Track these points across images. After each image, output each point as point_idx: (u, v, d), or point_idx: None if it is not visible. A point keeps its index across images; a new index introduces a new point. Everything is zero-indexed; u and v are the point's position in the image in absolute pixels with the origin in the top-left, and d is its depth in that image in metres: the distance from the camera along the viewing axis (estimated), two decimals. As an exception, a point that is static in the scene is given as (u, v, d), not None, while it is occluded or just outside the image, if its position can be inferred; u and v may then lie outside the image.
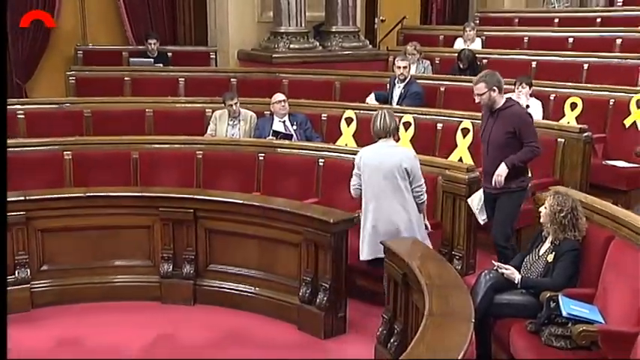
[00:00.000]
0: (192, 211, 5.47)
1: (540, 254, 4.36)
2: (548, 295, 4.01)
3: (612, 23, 9.54)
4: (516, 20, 10.66)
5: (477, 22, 10.65)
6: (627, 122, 6.81)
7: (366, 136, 6.94)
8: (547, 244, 4.35)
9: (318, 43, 9.66)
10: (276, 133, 6.81)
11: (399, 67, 7.58)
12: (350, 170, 5.23)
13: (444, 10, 12.42)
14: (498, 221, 5.00)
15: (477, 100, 5.01)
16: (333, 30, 9.72)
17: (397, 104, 7.44)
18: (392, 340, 4.39)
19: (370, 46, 10.26)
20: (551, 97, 7.20)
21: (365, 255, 5.01)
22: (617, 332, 3.73)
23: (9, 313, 5.13)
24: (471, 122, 6.61)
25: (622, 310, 3.85)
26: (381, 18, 11.50)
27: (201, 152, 6.51)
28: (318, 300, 5.02)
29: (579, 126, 6.29)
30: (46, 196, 5.51)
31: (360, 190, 5.02)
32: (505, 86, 7.18)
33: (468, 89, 7.64)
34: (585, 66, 8.01)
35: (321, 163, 6.22)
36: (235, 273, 5.48)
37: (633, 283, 3.80)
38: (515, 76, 7.10)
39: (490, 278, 4.29)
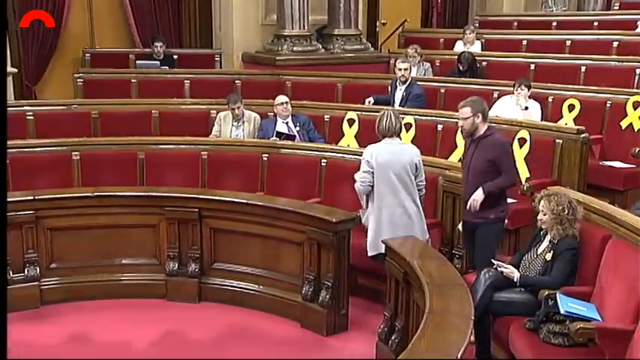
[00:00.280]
0: (197, 210, 5.47)
1: (539, 253, 4.36)
2: (547, 293, 4.01)
3: (609, 26, 9.51)
4: (515, 24, 10.64)
5: (477, 25, 10.62)
6: (624, 124, 6.80)
7: (367, 136, 6.93)
8: (545, 243, 4.34)
9: (320, 46, 9.66)
10: (279, 134, 6.81)
11: (400, 70, 7.58)
12: (352, 170, 5.23)
13: (444, 14, 12.40)
14: (479, 254, 4.80)
15: (459, 124, 4.85)
16: (336, 33, 9.71)
17: (400, 106, 7.43)
18: (393, 337, 4.40)
19: (372, 49, 10.25)
20: (550, 99, 7.19)
21: (382, 248, 4.98)
22: (614, 329, 3.72)
23: (19, 310, 5.21)
24: (471, 123, 6.61)
25: (619, 308, 3.85)
26: (382, 21, 11.49)
27: (205, 153, 6.51)
28: (320, 298, 5.02)
29: (577, 127, 6.27)
30: (54, 196, 5.52)
31: (371, 186, 4.99)
32: (504, 88, 7.33)
33: (468, 91, 7.71)
34: (583, 68, 7.99)
35: (323, 164, 6.22)
36: (239, 271, 5.48)
37: (630, 281, 3.80)
38: (514, 78, 7.11)
39: (489, 277, 4.28)
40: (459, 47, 9.27)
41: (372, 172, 4.97)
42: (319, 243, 5.03)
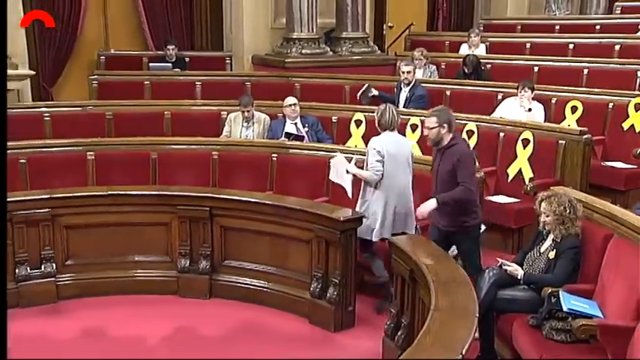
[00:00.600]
0: (208, 209, 5.48)
1: (542, 251, 4.34)
2: (550, 290, 4.00)
3: (611, 30, 9.48)
4: (519, 27, 10.61)
5: (482, 28, 10.60)
6: (626, 125, 6.78)
7: (370, 137, 6.95)
8: (548, 242, 4.33)
9: (329, 49, 9.67)
10: (288, 135, 6.82)
11: (404, 72, 7.60)
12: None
13: (449, 17, 12.38)
14: (468, 263, 4.66)
15: (424, 133, 4.75)
16: (344, 36, 9.72)
17: (404, 107, 7.43)
18: (399, 334, 4.39)
19: (379, 52, 10.26)
20: (553, 101, 7.18)
21: (386, 234, 5.00)
22: (616, 326, 3.71)
23: (36, 305, 5.24)
24: (476, 125, 6.62)
25: (620, 306, 3.84)
26: (389, 24, 11.48)
27: (216, 153, 6.53)
28: (328, 294, 5.01)
29: (579, 128, 6.27)
30: (70, 195, 5.54)
31: (382, 175, 5.01)
32: (508, 90, 7.31)
33: (473, 93, 7.74)
34: (585, 71, 7.97)
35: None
36: (249, 268, 5.48)
37: (631, 279, 3.78)
38: (518, 80, 7.10)
39: (494, 274, 4.28)
40: (464, 50, 9.25)
41: (383, 162, 4.99)
42: (327, 241, 5.02)
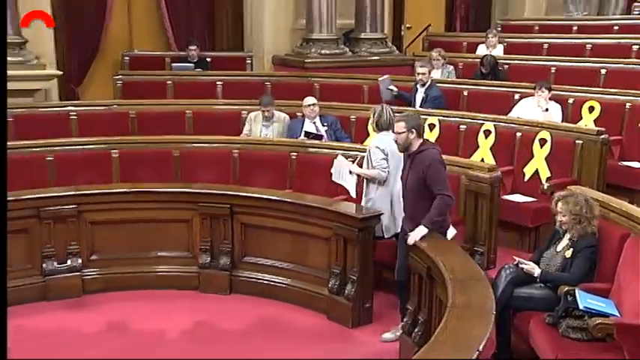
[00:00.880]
0: (228, 206, 5.50)
1: (558, 250, 4.31)
2: (566, 289, 3.97)
3: (629, 31, 9.37)
4: (536, 28, 10.52)
5: (499, 29, 10.52)
6: (643, 125, 6.70)
7: (392, 137, 6.93)
8: (565, 241, 4.29)
9: (348, 49, 9.66)
10: (307, 134, 6.82)
11: (419, 74, 7.56)
12: None
13: (467, 18, 12.31)
14: (402, 261, 4.62)
15: (393, 137, 4.67)
16: (362, 37, 9.70)
17: (420, 107, 7.41)
18: (416, 330, 4.37)
19: (397, 52, 10.22)
20: (570, 101, 7.10)
21: (395, 229, 4.98)
22: (632, 325, 3.67)
23: (62, 299, 5.29)
24: (493, 124, 6.57)
25: (637, 305, 3.79)
26: (407, 25, 11.43)
27: (237, 151, 6.55)
28: (346, 291, 5.01)
29: (597, 128, 6.20)
30: (95, 191, 5.59)
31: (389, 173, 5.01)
32: (525, 90, 7.25)
33: (490, 93, 7.69)
34: (603, 71, 7.88)
35: (350, 163, 6.21)
36: (269, 265, 5.50)
37: (648, 279, 3.74)
38: (536, 80, 7.03)
39: (510, 272, 4.25)
40: (482, 50, 9.19)
41: (387, 160, 4.99)
42: (345, 238, 5.02)
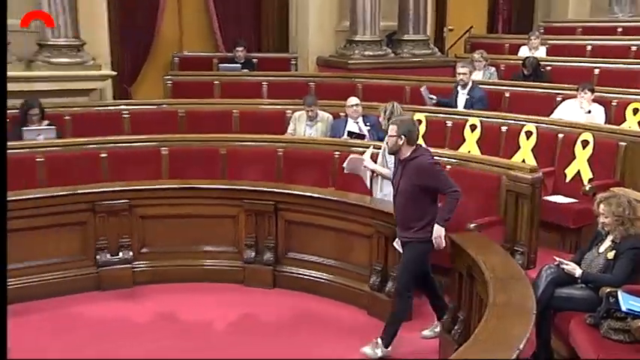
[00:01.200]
0: (273, 203, 5.54)
1: (600, 251, 4.22)
2: (608, 290, 3.89)
3: (675, 32, 9.11)
4: (580, 29, 10.29)
5: (542, 31, 10.32)
6: (689, 127, 6.51)
7: (434, 137, 6.89)
8: (607, 242, 4.20)
9: (390, 51, 9.62)
10: (350, 134, 6.81)
11: (459, 74, 7.48)
12: None
13: (509, 20, 12.13)
14: (400, 269, 4.54)
15: (385, 140, 4.59)
16: (405, 38, 9.65)
17: (464, 108, 7.33)
18: (455, 328, 4.34)
19: (439, 54, 10.13)
20: (614, 103, 6.92)
21: None
22: (676, 329, 3.57)
23: (114, 289, 5.41)
24: (535, 126, 6.46)
25: (681, 308, 3.69)
26: (449, 27, 11.32)
27: (281, 150, 6.57)
28: (387, 288, 5.01)
29: (641, 130, 6.06)
30: (146, 187, 5.69)
31: None
32: (567, 92, 7.11)
33: (532, 94, 7.57)
34: (648, 73, 7.68)
35: (391, 162, 6.19)
36: (311, 261, 5.52)
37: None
38: (578, 82, 6.89)
39: (551, 272, 4.18)
40: (524, 52, 9.04)
41: None
42: (387, 236, 5.00)
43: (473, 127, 6.75)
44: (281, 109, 7.63)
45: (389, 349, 4.48)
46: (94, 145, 6.38)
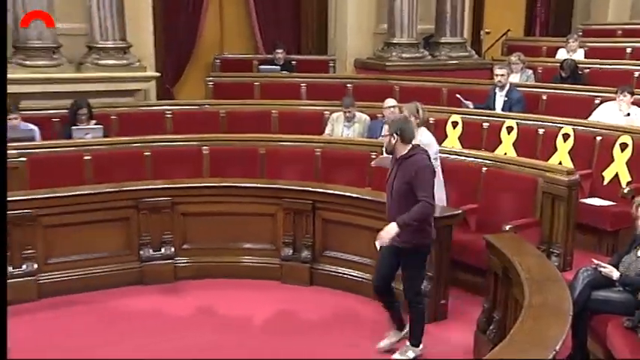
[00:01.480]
0: (311, 202, 5.56)
1: (639, 255, 4.13)
2: (646, 294, 3.81)
3: None
4: (619, 32, 10.08)
5: (580, 34, 10.14)
6: None
7: (470, 138, 6.84)
8: (646, 246, 4.12)
9: (427, 53, 9.58)
10: (387, 135, 6.79)
11: (497, 75, 7.42)
12: (454, 169, 5.31)
13: (546, 23, 11.94)
14: (406, 278, 4.39)
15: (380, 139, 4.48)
16: (442, 41, 9.60)
17: (502, 111, 7.25)
18: (491, 328, 4.30)
19: (476, 56, 10.05)
20: (654, 106, 6.78)
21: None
22: None
23: (157, 284, 5.50)
24: (572, 128, 6.37)
25: None
26: (486, 30, 11.21)
27: (319, 150, 6.60)
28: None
29: (682, 133, 5.90)
30: (188, 185, 5.76)
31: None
32: (606, 95, 6.97)
33: (569, 97, 7.45)
34: (689, 76, 7.49)
35: (428, 163, 6.15)
36: (348, 259, 5.52)
37: None
38: (617, 85, 6.76)
39: (588, 275, 4.11)
40: (562, 55, 8.90)
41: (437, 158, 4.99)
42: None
43: (509, 129, 6.67)
44: (319, 110, 7.66)
45: (421, 346, 4.46)
46: (139, 144, 6.49)
